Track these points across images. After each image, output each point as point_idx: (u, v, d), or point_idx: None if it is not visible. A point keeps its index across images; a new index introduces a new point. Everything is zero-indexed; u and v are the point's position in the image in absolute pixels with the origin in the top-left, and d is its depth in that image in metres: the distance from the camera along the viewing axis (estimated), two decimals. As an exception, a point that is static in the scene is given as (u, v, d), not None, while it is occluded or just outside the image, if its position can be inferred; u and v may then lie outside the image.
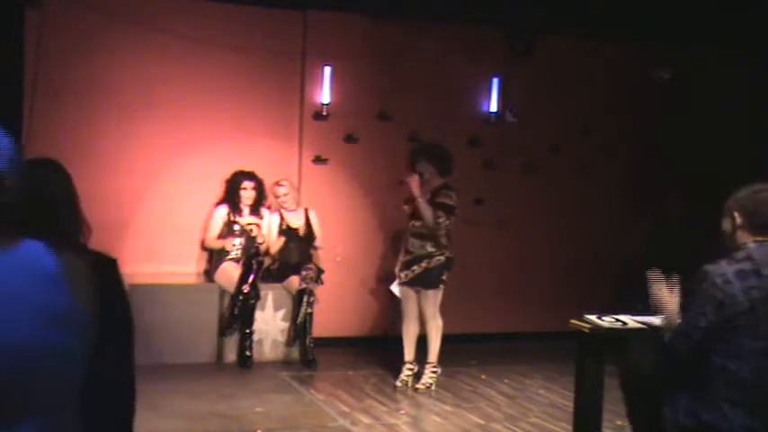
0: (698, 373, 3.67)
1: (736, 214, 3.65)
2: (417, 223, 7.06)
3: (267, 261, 8.07)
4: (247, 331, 7.66)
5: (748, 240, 3.62)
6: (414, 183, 6.93)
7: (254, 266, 7.71)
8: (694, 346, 3.64)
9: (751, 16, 8.28)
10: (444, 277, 7.10)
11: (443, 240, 7.05)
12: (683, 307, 3.81)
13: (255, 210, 8.05)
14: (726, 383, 3.57)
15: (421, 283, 7.09)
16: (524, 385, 7.40)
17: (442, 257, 7.06)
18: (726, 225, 3.70)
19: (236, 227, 7.94)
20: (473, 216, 8.74)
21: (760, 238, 3.61)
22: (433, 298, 7.10)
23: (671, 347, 3.78)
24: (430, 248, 7.04)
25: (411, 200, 7.08)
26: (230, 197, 8.02)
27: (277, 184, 8.13)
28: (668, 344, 3.81)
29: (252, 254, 7.83)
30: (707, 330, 3.57)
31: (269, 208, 8.14)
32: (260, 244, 7.97)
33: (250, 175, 8.03)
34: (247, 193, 7.98)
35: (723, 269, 3.56)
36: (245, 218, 7.96)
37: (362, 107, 8.53)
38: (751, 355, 3.52)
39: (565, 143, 9.19)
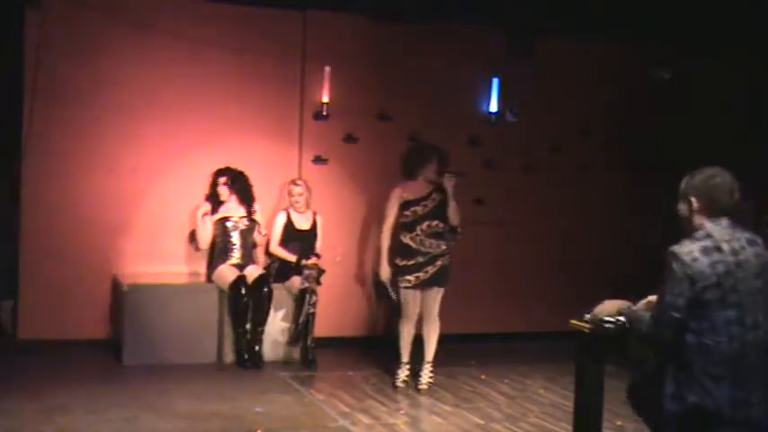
0: (677, 356, 3.82)
1: (692, 199, 3.91)
2: (434, 223, 7.09)
3: (266, 261, 8.12)
4: (240, 330, 7.64)
5: (704, 221, 3.87)
6: (452, 180, 7.07)
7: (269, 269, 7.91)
8: (678, 326, 3.79)
9: (751, 17, 8.27)
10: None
11: (456, 237, 7.24)
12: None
13: (247, 207, 8.03)
14: (705, 360, 3.74)
15: (437, 281, 7.13)
16: (524, 385, 7.39)
17: (449, 254, 7.17)
18: (682, 209, 3.96)
19: (229, 223, 7.93)
20: (473, 216, 8.73)
21: (715, 219, 3.87)
22: (440, 296, 7.17)
23: (656, 334, 3.89)
24: (443, 246, 7.14)
25: (420, 199, 7.09)
26: (211, 195, 8.04)
27: (293, 182, 8.13)
28: (652, 332, 3.91)
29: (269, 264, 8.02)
30: (685, 308, 3.76)
31: (285, 209, 8.10)
32: (263, 236, 8.04)
33: (224, 171, 8.04)
34: (221, 189, 7.99)
35: (689, 248, 3.81)
36: (237, 215, 7.96)
37: (362, 107, 8.53)
38: (724, 326, 3.74)
39: (565, 143, 9.20)
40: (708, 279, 3.74)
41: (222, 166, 8.06)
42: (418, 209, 7.13)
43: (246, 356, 7.58)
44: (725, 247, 3.80)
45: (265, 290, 7.65)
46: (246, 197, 8.04)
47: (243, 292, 7.59)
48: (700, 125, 9.15)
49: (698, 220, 3.90)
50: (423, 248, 7.09)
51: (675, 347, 3.83)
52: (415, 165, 7.23)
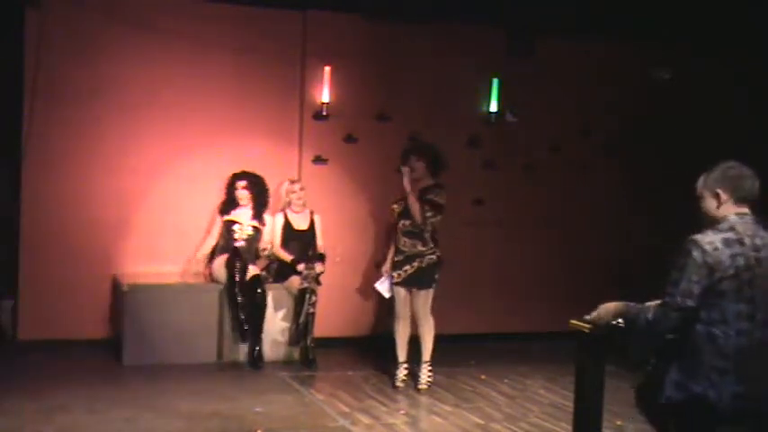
0: (684, 345, 3.84)
1: (719, 191, 3.91)
2: (407, 222, 7.07)
3: (266, 262, 8.13)
4: (240, 300, 7.59)
5: (730, 213, 3.89)
6: (406, 175, 7.00)
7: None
8: (689, 314, 3.81)
9: (751, 17, 8.27)
10: (437, 277, 7.11)
11: (428, 238, 7.05)
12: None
13: (259, 213, 8.02)
14: (712, 351, 3.76)
15: (415, 282, 7.09)
16: (524, 385, 7.39)
17: (434, 257, 7.07)
18: (709, 204, 3.95)
19: (236, 226, 7.94)
20: (473, 216, 8.73)
21: (741, 211, 3.90)
22: (427, 298, 7.09)
23: (663, 320, 3.88)
24: (421, 247, 7.05)
25: (400, 198, 7.11)
26: (228, 200, 8.06)
27: (292, 182, 8.14)
28: (658, 318, 3.90)
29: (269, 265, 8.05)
30: (700, 297, 3.78)
31: (282, 210, 8.11)
32: (263, 250, 8.01)
33: (242, 175, 8.04)
34: (240, 193, 7.99)
35: (710, 238, 3.82)
36: (246, 221, 7.96)
37: (362, 107, 8.53)
38: (735, 319, 3.76)
39: (565, 143, 9.19)
40: (726, 270, 3.75)
41: (241, 170, 8.06)
42: (396, 207, 7.18)
43: (246, 327, 7.57)
44: (747, 241, 3.82)
45: (259, 291, 7.65)
46: (259, 204, 8.04)
47: (237, 265, 7.59)
48: (700, 125, 9.15)
49: (724, 211, 3.90)
50: (400, 246, 7.11)
51: (681, 336, 3.85)
52: (401, 163, 7.25)
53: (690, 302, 3.78)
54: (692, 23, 8.50)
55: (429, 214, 7.01)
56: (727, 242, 3.80)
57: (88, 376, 7.07)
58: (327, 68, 8.32)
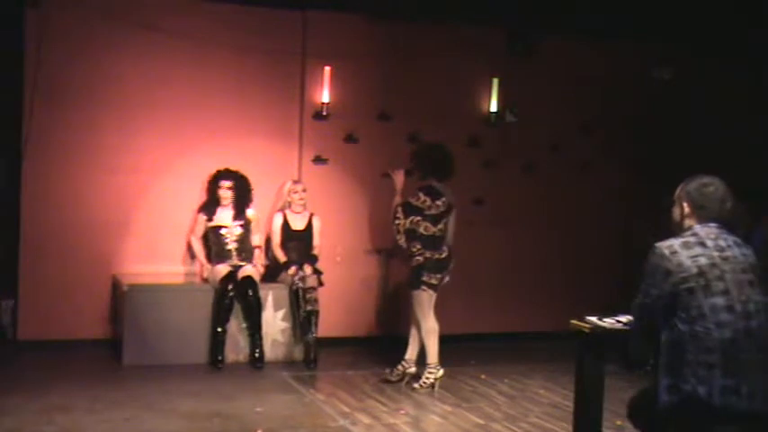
0: (671, 347, 3.91)
1: (685, 204, 4.09)
2: None
3: (266, 262, 8.15)
4: (219, 330, 7.60)
5: (694, 225, 4.06)
6: (397, 177, 7.07)
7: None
8: (648, 314, 4.00)
9: (751, 17, 8.27)
10: (426, 279, 6.98)
11: (401, 240, 6.99)
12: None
13: (241, 212, 8.00)
14: (696, 348, 3.82)
15: (407, 283, 7.12)
16: (524, 385, 7.39)
17: (420, 258, 6.98)
18: (676, 213, 4.14)
19: (224, 230, 7.93)
20: (473, 216, 8.73)
21: (704, 224, 4.05)
22: (416, 299, 7.03)
23: (633, 318, 4.15)
24: (412, 249, 7.02)
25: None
26: (210, 198, 8.02)
27: (294, 182, 8.15)
28: (632, 316, 4.17)
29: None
30: (659, 298, 3.93)
31: (281, 210, 8.11)
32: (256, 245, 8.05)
33: (227, 174, 8.01)
34: (224, 193, 7.96)
35: (670, 242, 4.00)
36: (231, 223, 7.95)
37: (362, 107, 8.53)
38: (711, 312, 3.83)
39: (565, 143, 9.20)
40: (688, 270, 3.87)
41: (221, 168, 8.04)
42: None
43: (220, 357, 7.56)
44: (709, 243, 3.95)
45: (250, 293, 7.64)
46: (243, 203, 8.01)
47: (230, 288, 7.58)
48: (700, 125, 9.15)
49: (688, 223, 4.07)
50: None
51: (667, 341, 3.91)
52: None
53: (647, 302, 3.97)
54: (692, 24, 8.50)
55: (398, 216, 6.98)
56: (686, 245, 3.94)
57: (88, 376, 7.07)
58: (327, 68, 8.32)
